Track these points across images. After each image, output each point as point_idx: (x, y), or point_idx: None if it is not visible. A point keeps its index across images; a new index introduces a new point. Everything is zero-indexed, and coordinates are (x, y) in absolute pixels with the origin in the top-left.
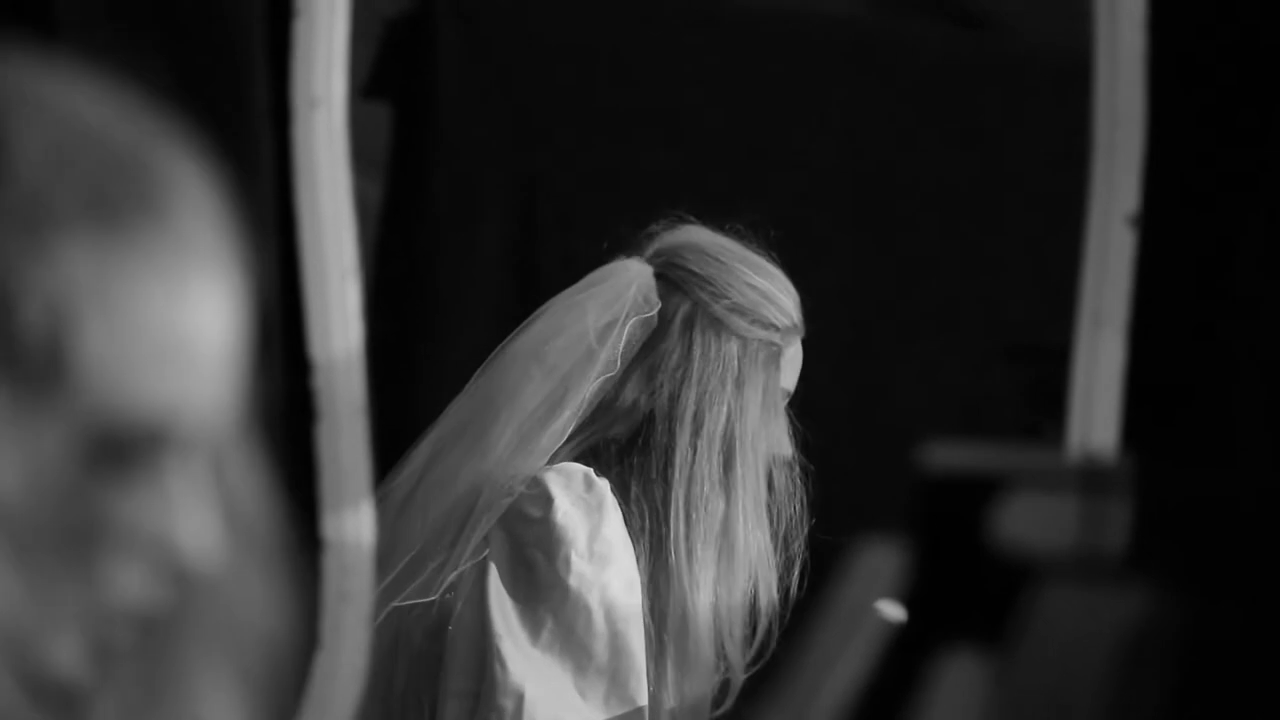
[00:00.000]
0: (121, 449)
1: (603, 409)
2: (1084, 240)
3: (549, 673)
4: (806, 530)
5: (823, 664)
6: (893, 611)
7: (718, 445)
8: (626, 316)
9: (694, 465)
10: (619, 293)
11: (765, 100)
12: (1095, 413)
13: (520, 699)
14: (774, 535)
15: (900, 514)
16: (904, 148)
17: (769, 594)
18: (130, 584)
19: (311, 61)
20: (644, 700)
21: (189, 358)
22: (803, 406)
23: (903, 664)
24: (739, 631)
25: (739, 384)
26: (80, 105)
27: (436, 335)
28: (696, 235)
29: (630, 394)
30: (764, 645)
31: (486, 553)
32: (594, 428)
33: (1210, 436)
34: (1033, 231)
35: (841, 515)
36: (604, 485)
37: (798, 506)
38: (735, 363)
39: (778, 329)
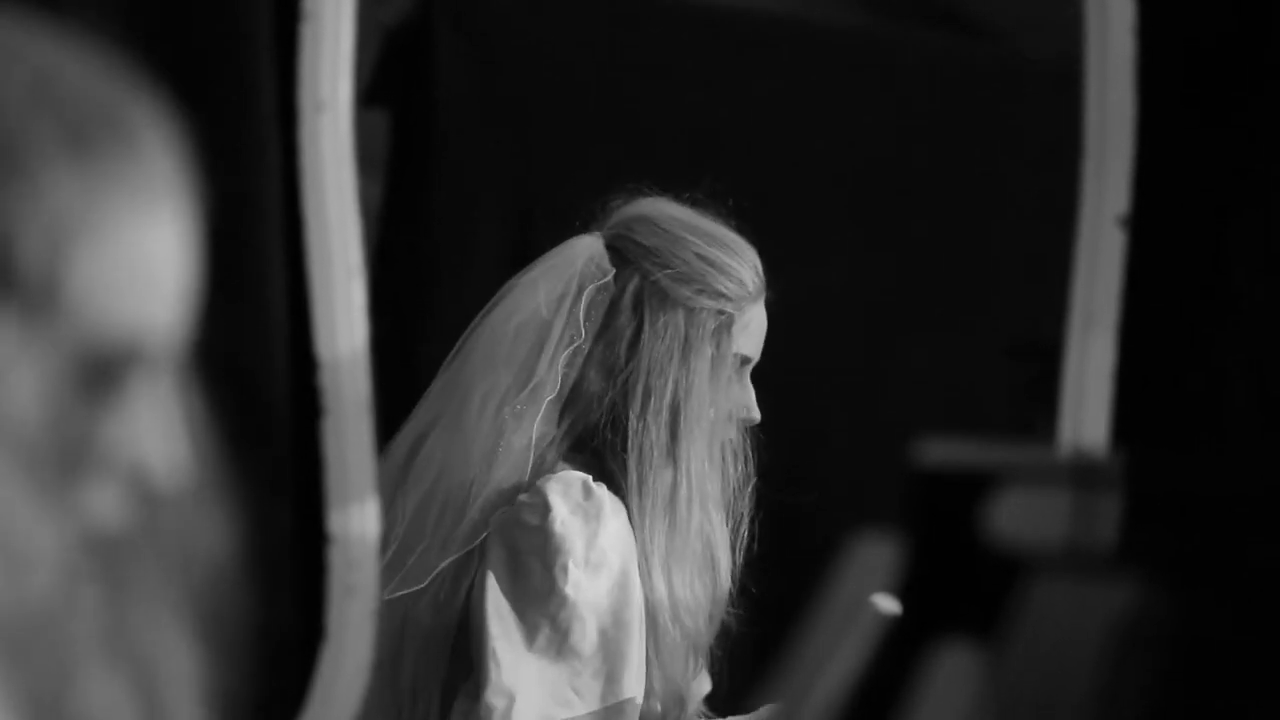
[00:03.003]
0: (103, 371)
1: (575, 394)
2: (1075, 241)
3: (543, 676)
4: (752, 492)
5: (819, 656)
6: (887, 604)
7: (665, 416)
8: (581, 285)
9: (643, 437)
10: (570, 263)
11: (765, 106)
12: (1086, 409)
13: (511, 699)
14: (730, 503)
15: (895, 508)
16: (902, 151)
17: (725, 565)
18: (107, 506)
19: (318, 66)
20: (638, 704)
21: (156, 279)
22: (801, 403)
23: (897, 656)
24: (693, 604)
25: (685, 354)
26: (48, 51)
27: (437, 333)
28: (649, 207)
29: (595, 375)
30: (726, 616)
31: (484, 553)
32: (575, 413)
33: (1200, 433)
34: (1029, 232)
35: (838, 509)
36: (602, 491)
37: (744, 471)
38: (682, 333)
39: (726, 297)
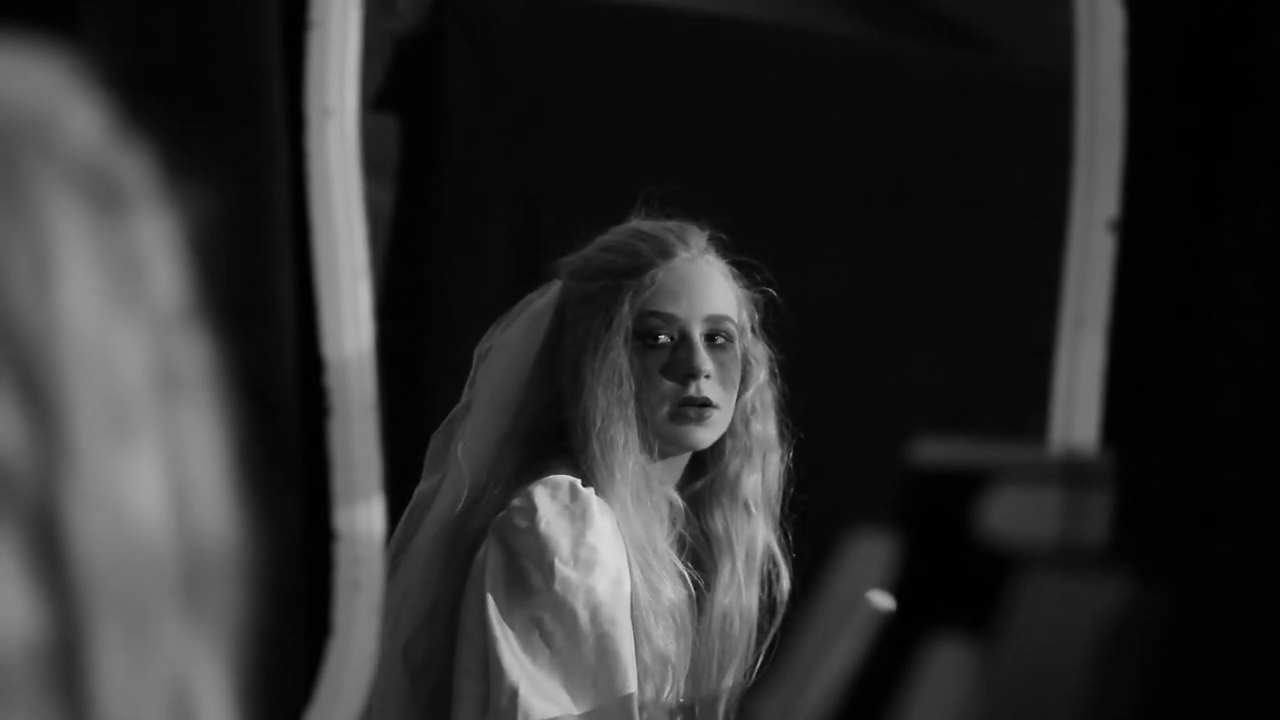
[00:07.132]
0: None
1: (522, 406)
2: (1066, 244)
3: (540, 674)
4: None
5: (815, 651)
6: (883, 601)
7: (580, 406)
8: (538, 318)
9: (573, 426)
10: (533, 304)
11: (764, 114)
12: (1076, 409)
13: (514, 695)
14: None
15: (890, 507)
16: (899, 159)
17: (662, 536)
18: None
19: (325, 73)
20: (632, 699)
21: None
22: (800, 402)
23: (892, 651)
24: (656, 581)
25: (585, 342)
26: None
27: (445, 335)
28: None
29: (535, 384)
30: None
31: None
32: (523, 424)
33: (1189, 433)
34: (1023, 237)
35: (835, 508)
36: (589, 494)
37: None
38: (583, 325)
39: (613, 272)
